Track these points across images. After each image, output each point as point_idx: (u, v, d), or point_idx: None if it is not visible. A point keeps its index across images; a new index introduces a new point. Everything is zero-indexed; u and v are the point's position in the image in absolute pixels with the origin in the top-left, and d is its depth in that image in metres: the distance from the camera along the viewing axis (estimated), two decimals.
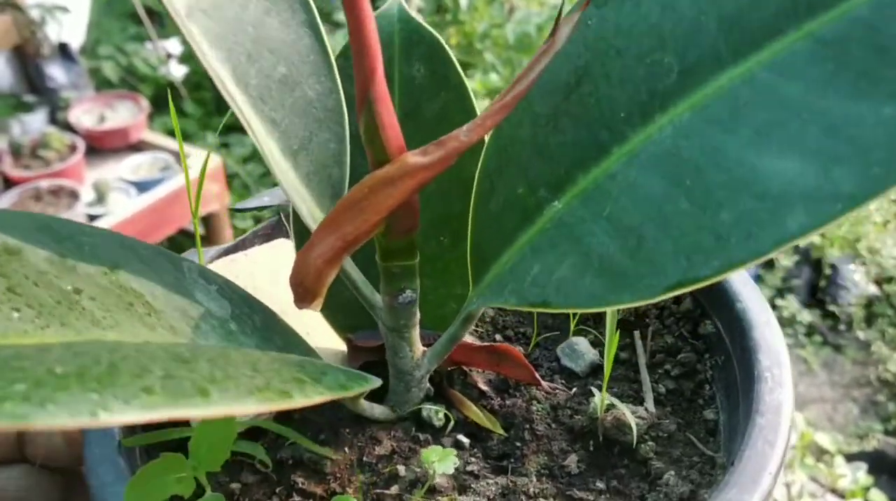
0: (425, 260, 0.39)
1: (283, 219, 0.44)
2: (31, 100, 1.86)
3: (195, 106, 2.19)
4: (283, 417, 0.37)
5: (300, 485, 0.34)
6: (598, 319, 0.42)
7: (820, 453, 1.49)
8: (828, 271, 1.92)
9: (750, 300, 0.37)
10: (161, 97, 2.07)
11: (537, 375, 0.37)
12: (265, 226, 0.44)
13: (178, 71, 2.13)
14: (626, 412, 0.35)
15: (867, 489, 1.38)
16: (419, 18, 0.39)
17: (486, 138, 0.35)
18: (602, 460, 0.35)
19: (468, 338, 0.42)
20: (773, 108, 0.27)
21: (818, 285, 1.93)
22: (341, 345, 0.41)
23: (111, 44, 2.09)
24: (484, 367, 0.39)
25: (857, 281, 1.89)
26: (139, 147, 1.79)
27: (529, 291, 0.31)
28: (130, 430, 0.33)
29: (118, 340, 0.24)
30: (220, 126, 0.55)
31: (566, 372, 0.40)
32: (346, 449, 0.36)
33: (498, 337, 0.42)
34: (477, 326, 0.43)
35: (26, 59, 1.84)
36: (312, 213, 0.35)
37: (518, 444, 0.36)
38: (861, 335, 1.86)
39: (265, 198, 0.44)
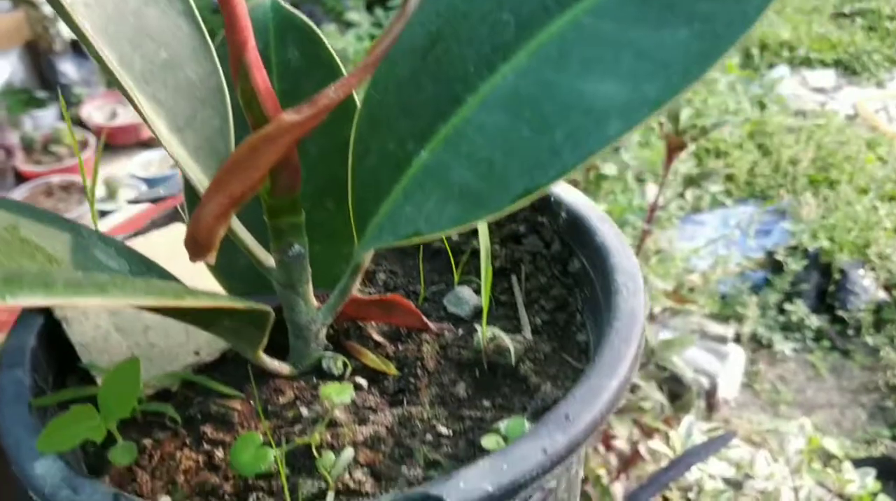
0: (314, 227, 0.42)
1: (180, 209, 0.47)
2: (42, 95, 1.84)
3: None
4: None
5: (209, 436, 0.37)
6: (480, 270, 0.46)
7: (827, 458, 1.50)
8: (837, 276, 1.90)
9: (607, 235, 0.41)
10: None
11: (425, 319, 0.41)
12: (162, 216, 0.46)
13: None
14: (505, 337, 0.38)
15: (875, 494, 1.40)
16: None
17: (359, 105, 0.39)
18: (487, 383, 0.39)
19: (361, 296, 0.45)
20: (594, 45, 0.32)
21: (827, 290, 1.92)
22: None
23: None
24: (377, 319, 0.42)
25: (867, 287, 1.89)
26: (150, 143, 1.77)
27: (402, 227, 0.35)
28: (40, 392, 0.35)
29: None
30: None
31: (453, 319, 0.43)
32: (251, 402, 0.38)
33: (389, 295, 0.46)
34: (369, 289, 0.47)
35: (38, 54, 1.83)
36: (202, 182, 0.38)
37: (412, 380, 0.39)
38: (870, 340, 1.85)
39: (160, 190, 0.46)
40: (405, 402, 0.38)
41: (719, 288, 1.91)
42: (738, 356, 1.70)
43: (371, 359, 0.40)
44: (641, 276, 0.39)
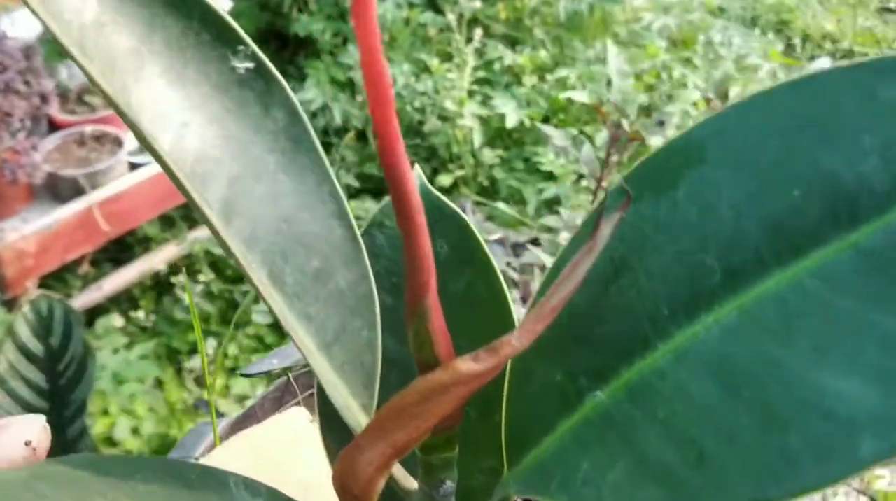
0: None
1: (292, 380, 0.43)
2: None
3: None
4: None
5: None
6: None
7: None
8: None
9: None
10: None
11: None
12: (274, 388, 0.42)
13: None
14: None
15: None
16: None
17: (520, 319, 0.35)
18: None
19: None
20: (824, 320, 0.28)
21: None
22: None
23: None
24: None
25: None
26: None
27: (583, 491, 0.31)
28: None
29: None
30: None
31: None
32: None
33: None
34: None
35: None
36: (347, 403, 0.34)
37: None
38: None
39: (273, 360, 0.42)
40: None
41: None
42: None
43: None
44: None
